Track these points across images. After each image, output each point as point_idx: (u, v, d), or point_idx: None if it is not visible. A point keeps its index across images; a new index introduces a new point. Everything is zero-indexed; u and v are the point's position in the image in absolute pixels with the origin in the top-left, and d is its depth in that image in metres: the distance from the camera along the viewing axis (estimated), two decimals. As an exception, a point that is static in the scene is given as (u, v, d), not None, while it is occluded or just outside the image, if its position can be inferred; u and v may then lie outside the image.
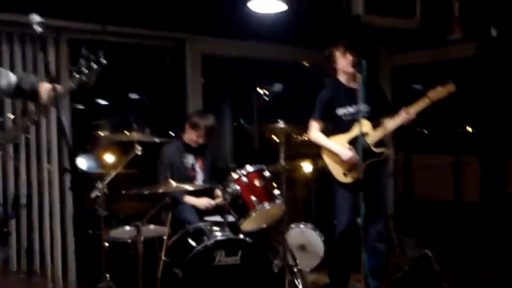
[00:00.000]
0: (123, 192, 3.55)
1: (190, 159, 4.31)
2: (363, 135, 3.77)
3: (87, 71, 2.59)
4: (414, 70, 6.01)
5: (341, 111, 4.01)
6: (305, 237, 4.67)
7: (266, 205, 3.56)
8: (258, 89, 8.04)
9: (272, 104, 8.13)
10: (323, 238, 4.65)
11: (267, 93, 8.19)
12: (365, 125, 3.84)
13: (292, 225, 4.73)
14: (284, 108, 7.81)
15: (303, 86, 7.35)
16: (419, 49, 5.58)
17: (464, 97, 5.41)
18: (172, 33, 4.75)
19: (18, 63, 3.98)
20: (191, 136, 4.25)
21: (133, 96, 6.77)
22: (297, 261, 4.17)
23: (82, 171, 5.27)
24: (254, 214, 3.53)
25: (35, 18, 2.51)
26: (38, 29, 2.50)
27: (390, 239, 5.45)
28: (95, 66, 2.58)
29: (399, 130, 3.96)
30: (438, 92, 3.70)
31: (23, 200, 3.76)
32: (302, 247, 4.65)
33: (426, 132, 6.47)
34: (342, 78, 4.06)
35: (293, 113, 7.17)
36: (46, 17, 3.99)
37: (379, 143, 3.92)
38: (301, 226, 4.74)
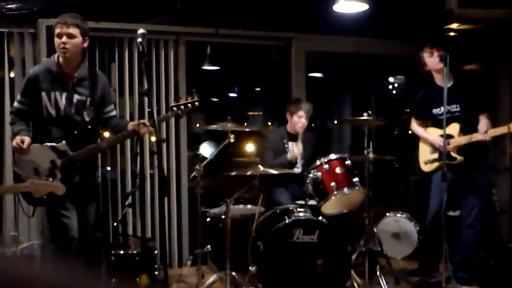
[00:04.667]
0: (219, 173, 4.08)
1: (291, 146, 4.71)
2: (449, 136, 3.92)
3: (183, 107, 3.30)
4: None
5: (435, 111, 4.21)
6: (399, 225, 4.81)
7: (346, 190, 3.86)
8: (384, 82, 8.16)
9: (395, 97, 8.18)
10: (417, 228, 4.75)
11: (392, 86, 8.26)
12: (454, 128, 3.97)
13: (389, 214, 4.90)
14: (409, 100, 7.82)
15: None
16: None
17: None
18: (279, 33, 5.18)
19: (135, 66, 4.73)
20: (293, 123, 4.58)
21: (258, 89, 7.42)
22: (384, 247, 4.38)
23: (203, 156, 6.00)
24: (333, 198, 3.86)
25: (140, 31, 3.10)
26: (140, 40, 3.07)
27: (498, 235, 5.31)
28: (189, 105, 3.21)
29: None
30: None
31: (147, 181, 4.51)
32: (396, 235, 4.79)
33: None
34: (436, 78, 4.18)
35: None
36: (168, 24, 4.73)
37: (465, 148, 4.00)
38: (398, 215, 4.88)
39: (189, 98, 3.37)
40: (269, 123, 7.24)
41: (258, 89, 7.26)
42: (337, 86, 7.09)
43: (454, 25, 4.58)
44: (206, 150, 6.25)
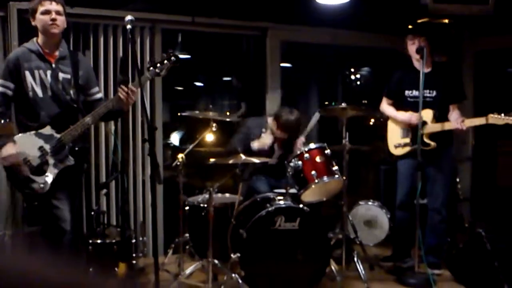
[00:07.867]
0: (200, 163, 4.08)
1: (263, 135, 4.68)
2: (424, 123, 4.05)
3: (159, 65, 3.22)
4: (499, 54, 5.95)
5: (407, 93, 4.31)
6: (371, 213, 4.97)
7: (325, 179, 3.94)
8: (347, 72, 8.31)
9: (359, 87, 8.36)
10: (388, 216, 4.91)
11: (355, 77, 8.43)
12: (427, 114, 4.10)
13: (361, 202, 5.05)
14: (372, 91, 8.01)
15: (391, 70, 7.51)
16: (504, 34, 5.53)
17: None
18: (255, 23, 5.19)
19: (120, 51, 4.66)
20: (275, 132, 4.39)
21: (226, 78, 7.40)
22: (358, 234, 4.51)
23: (174, 145, 5.97)
24: (313, 186, 3.93)
25: (128, 17, 3.07)
26: (129, 26, 3.05)
27: (461, 222, 5.56)
28: (166, 61, 3.17)
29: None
30: (497, 119, 3.82)
31: (120, 168, 4.44)
32: (368, 223, 4.95)
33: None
34: (415, 63, 4.30)
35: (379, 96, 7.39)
36: (144, 11, 4.64)
37: (434, 135, 4.13)
38: (369, 203, 5.04)
39: (165, 56, 3.30)
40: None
41: (227, 79, 7.25)
42: (305, 76, 7.18)
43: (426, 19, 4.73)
44: (176, 138, 6.21)
